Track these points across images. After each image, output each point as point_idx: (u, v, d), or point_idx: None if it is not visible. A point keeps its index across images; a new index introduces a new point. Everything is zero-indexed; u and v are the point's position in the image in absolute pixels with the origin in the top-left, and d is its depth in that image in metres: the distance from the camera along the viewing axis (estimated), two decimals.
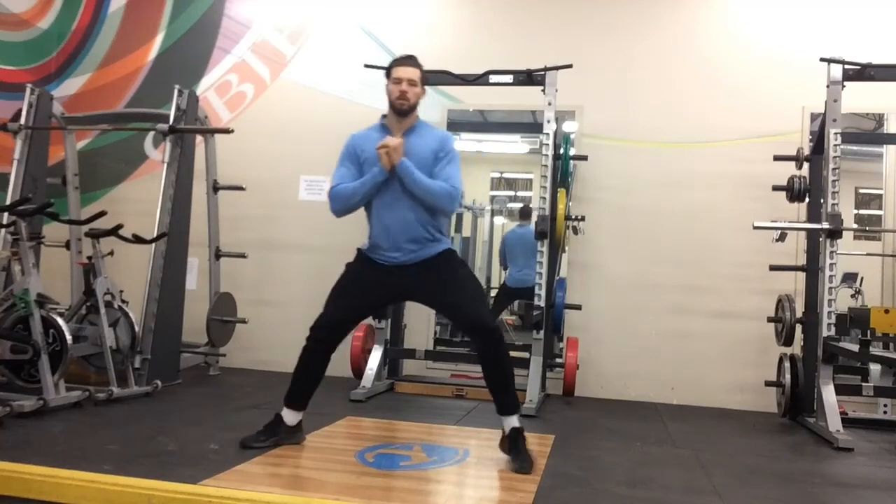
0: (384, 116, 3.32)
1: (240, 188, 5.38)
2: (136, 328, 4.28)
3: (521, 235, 5.46)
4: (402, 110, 3.19)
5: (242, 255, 5.40)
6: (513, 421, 3.08)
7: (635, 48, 5.50)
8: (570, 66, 4.78)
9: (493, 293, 6.20)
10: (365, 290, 3.21)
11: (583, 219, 5.24)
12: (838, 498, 3.05)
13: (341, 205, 3.18)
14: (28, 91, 4.85)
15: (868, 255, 5.20)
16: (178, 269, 4.74)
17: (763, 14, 5.40)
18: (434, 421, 4.02)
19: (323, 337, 3.14)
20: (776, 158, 4.86)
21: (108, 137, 6.10)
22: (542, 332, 4.75)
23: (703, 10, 5.55)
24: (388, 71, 3.28)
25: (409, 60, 3.25)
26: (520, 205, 6.29)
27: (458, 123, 5.85)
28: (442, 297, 3.19)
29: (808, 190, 4.73)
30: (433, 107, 5.63)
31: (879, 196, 5.32)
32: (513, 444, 3.05)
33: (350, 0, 5.93)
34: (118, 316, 4.24)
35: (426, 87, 3.34)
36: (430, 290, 3.19)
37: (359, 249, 3.29)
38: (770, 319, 4.85)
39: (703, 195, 5.33)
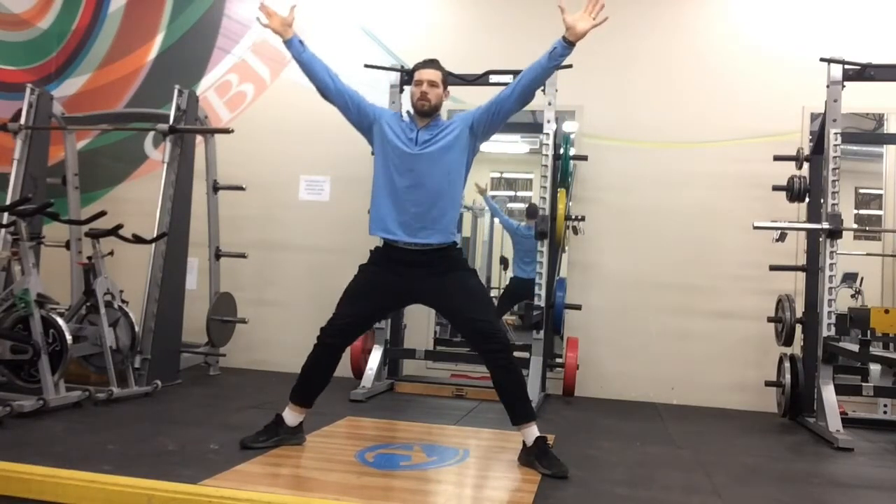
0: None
1: (240, 188, 5.38)
2: (136, 328, 4.28)
3: (530, 237, 5.47)
4: (423, 111, 3.21)
5: (242, 255, 5.40)
6: (534, 431, 3.05)
7: (635, 48, 5.50)
8: (570, 66, 4.74)
9: (494, 292, 6.21)
10: (377, 294, 3.22)
11: (583, 219, 5.25)
12: (838, 498, 3.06)
13: (310, 63, 3.30)
14: (28, 91, 4.85)
15: (868, 255, 5.20)
16: (178, 269, 4.74)
17: (763, 14, 5.40)
18: (434, 421, 4.02)
19: (333, 342, 3.16)
20: (776, 158, 4.87)
21: (108, 137, 6.10)
22: (542, 332, 4.75)
23: (704, 11, 5.55)
24: (410, 75, 3.32)
25: (430, 63, 3.28)
26: (521, 205, 6.29)
27: None
28: (451, 303, 3.19)
29: (808, 190, 4.73)
30: None
31: (879, 196, 5.32)
32: (542, 454, 3.01)
33: (350, 0, 5.93)
34: (118, 316, 4.24)
35: (449, 90, 3.35)
36: (439, 294, 3.20)
37: (371, 251, 3.31)
38: (770, 319, 4.85)
39: (703, 195, 5.33)
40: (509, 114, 3.22)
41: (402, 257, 3.16)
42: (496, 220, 6.35)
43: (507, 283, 6.24)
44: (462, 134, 3.19)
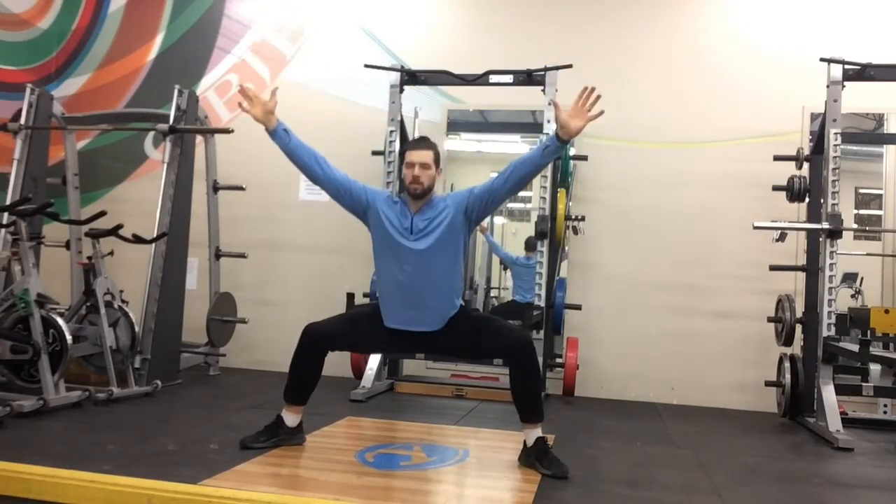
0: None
1: (240, 188, 5.38)
2: (136, 328, 4.28)
3: (530, 267, 5.48)
4: (416, 194, 3.16)
5: (242, 255, 5.40)
6: (537, 432, 3.06)
7: (636, 48, 5.50)
8: (570, 66, 4.78)
9: (494, 292, 6.21)
10: (378, 339, 3.26)
11: (583, 219, 5.25)
12: (838, 498, 3.06)
13: (297, 152, 3.18)
14: (28, 91, 4.85)
15: (868, 255, 5.20)
16: (178, 269, 4.74)
17: (763, 14, 5.40)
18: (434, 421, 4.01)
19: (318, 341, 3.15)
20: (776, 158, 4.87)
21: (108, 137, 6.10)
22: (542, 332, 4.75)
23: (704, 11, 5.55)
24: (402, 154, 3.29)
25: (422, 143, 3.25)
26: (521, 205, 6.28)
27: (458, 123, 5.85)
28: (469, 345, 3.23)
29: (808, 190, 4.73)
30: (433, 107, 5.65)
31: (879, 196, 5.32)
32: (542, 454, 3.02)
33: (350, 0, 5.93)
34: (118, 316, 4.24)
35: (441, 168, 3.31)
36: (455, 346, 3.25)
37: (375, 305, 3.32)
38: (770, 319, 4.85)
39: (703, 195, 5.33)
40: (502, 202, 3.25)
41: (407, 336, 3.19)
42: (496, 220, 6.33)
43: (506, 303, 6.18)
44: (456, 219, 3.15)
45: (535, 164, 3.09)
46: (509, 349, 3.12)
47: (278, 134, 3.16)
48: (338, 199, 3.25)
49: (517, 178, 3.09)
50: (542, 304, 4.83)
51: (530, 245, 5.71)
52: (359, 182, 3.25)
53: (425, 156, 3.16)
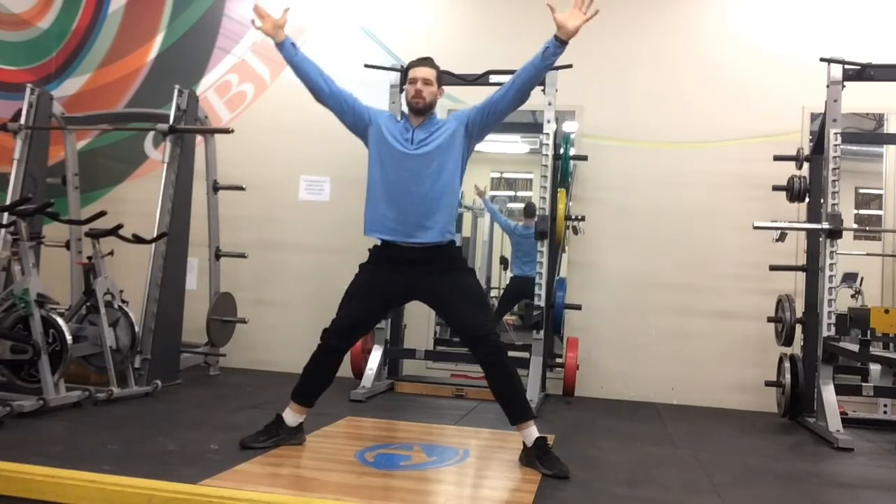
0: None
1: (240, 188, 5.38)
2: (136, 328, 4.28)
3: (528, 236, 5.50)
4: (417, 109, 3.22)
5: (242, 255, 5.40)
6: (533, 431, 3.06)
7: (636, 48, 5.50)
8: (570, 66, 4.76)
9: (494, 293, 6.22)
10: (376, 293, 3.22)
11: (583, 219, 5.24)
12: (838, 498, 3.06)
13: (301, 65, 3.27)
14: (28, 91, 4.85)
15: (868, 255, 5.19)
16: (178, 269, 4.74)
17: (763, 14, 5.40)
18: (434, 421, 4.02)
19: (334, 343, 3.17)
20: (776, 158, 4.87)
21: (108, 137, 6.10)
22: (542, 332, 4.75)
23: (704, 11, 5.55)
24: (404, 73, 3.33)
25: (424, 61, 3.30)
26: (521, 205, 6.29)
27: None
28: (447, 301, 3.20)
29: (808, 190, 4.73)
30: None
31: (879, 196, 5.32)
32: (542, 454, 3.01)
33: (350, 0, 5.93)
34: (118, 316, 4.24)
35: (443, 87, 3.37)
36: (436, 292, 3.21)
37: (370, 250, 3.31)
38: (770, 319, 4.85)
39: (703, 195, 5.33)
40: (504, 114, 3.23)
41: (400, 256, 3.16)
42: (496, 223, 6.34)
43: (508, 282, 6.25)
44: (457, 133, 3.20)
45: (535, 66, 3.11)
46: (471, 335, 3.11)
47: (285, 47, 3.27)
48: (341, 116, 3.29)
49: (519, 86, 3.13)
50: (542, 287, 4.80)
51: (529, 212, 5.69)
52: (362, 101, 3.31)
53: (427, 72, 3.24)
